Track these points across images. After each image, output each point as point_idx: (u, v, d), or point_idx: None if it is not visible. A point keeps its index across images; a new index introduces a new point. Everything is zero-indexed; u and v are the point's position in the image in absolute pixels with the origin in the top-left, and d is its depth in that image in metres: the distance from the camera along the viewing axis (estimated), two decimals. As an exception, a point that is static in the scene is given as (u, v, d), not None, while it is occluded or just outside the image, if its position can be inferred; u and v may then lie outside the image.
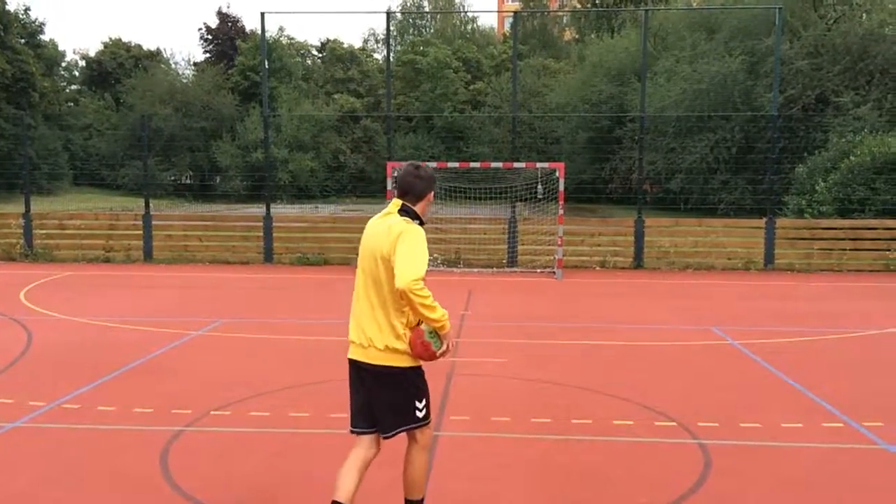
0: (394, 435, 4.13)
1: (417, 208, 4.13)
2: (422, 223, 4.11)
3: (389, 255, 3.91)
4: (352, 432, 4.23)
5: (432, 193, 4.24)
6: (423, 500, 4.30)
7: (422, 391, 4.13)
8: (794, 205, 21.93)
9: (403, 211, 4.09)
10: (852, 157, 20.19)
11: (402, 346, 3.97)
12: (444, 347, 3.98)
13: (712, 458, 5.54)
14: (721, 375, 7.98)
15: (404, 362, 4.01)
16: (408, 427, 4.11)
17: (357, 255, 4.25)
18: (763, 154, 25.36)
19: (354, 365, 4.13)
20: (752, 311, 11.88)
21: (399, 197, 4.16)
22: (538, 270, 16.47)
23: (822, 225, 18.05)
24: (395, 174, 16.17)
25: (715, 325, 10.65)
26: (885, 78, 27.27)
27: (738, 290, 14.33)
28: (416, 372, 4.08)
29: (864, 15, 28.56)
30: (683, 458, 5.59)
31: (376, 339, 3.98)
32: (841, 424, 6.35)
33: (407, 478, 4.22)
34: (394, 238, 3.91)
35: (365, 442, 4.20)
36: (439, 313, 3.89)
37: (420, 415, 4.12)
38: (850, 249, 17.10)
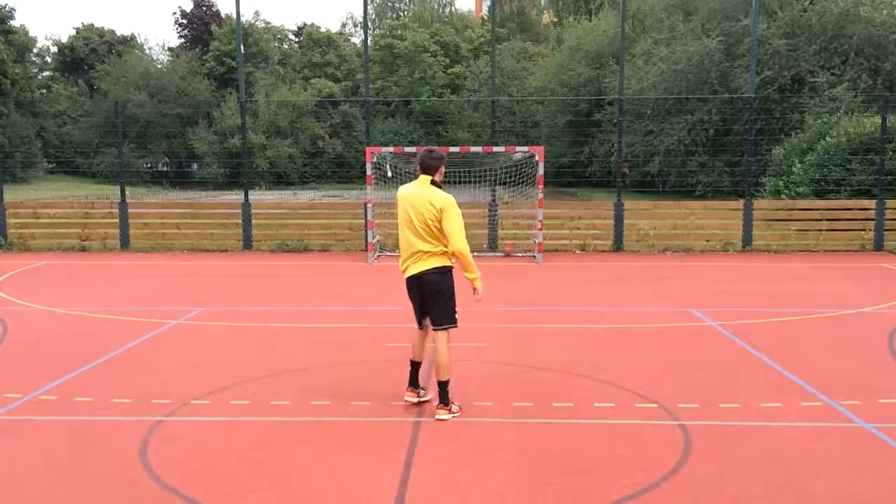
0: (441, 329, 6.21)
1: (438, 178, 6.17)
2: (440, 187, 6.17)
3: (438, 217, 5.98)
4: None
5: (443, 167, 6.23)
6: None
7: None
8: (772, 186, 22.09)
9: (434, 183, 6.12)
10: (828, 138, 20.35)
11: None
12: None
13: (693, 440, 5.58)
14: (700, 357, 8.03)
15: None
16: (447, 326, 6.23)
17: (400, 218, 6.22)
18: (740, 136, 25.53)
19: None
20: (731, 293, 11.97)
21: (424, 174, 6.14)
22: (518, 254, 16.49)
23: (799, 206, 18.21)
24: (375, 159, 16.14)
25: (694, 306, 10.72)
26: (859, 58, 27.47)
27: (717, 271, 14.44)
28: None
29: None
30: (664, 439, 5.62)
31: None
32: (819, 403, 6.41)
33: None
34: (438, 207, 5.99)
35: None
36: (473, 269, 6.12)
37: (456, 317, 6.28)
38: (826, 230, 17.26)
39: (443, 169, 6.22)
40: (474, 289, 6.16)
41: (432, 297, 6.11)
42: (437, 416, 6.03)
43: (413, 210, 6.05)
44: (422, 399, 6.39)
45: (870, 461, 5.23)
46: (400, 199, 6.20)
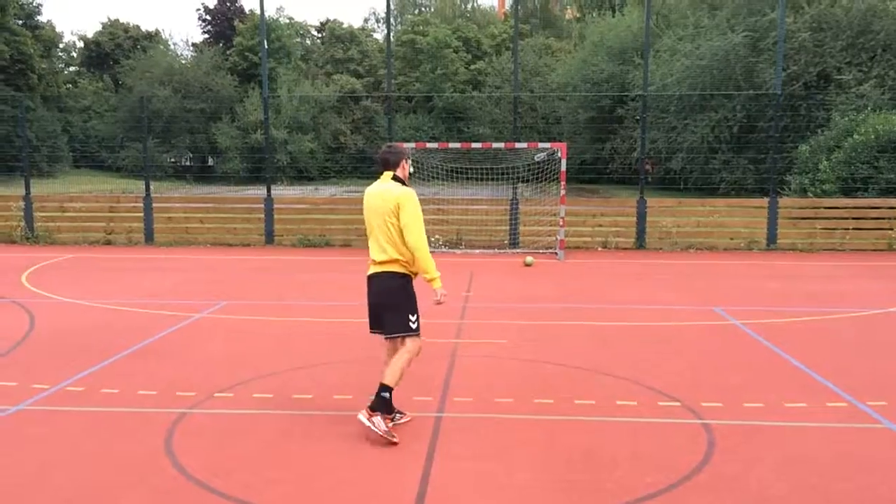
0: (392, 338, 5.55)
1: (400, 174, 5.64)
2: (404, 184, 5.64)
3: (395, 212, 5.41)
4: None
5: (406, 161, 5.68)
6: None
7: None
8: (797, 184, 21.88)
9: (395, 178, 5.61)
10: (855, 136, 20.10)
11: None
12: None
13: (716, 438, 5.55)
14: (724, 355, 7.97)
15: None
16: (400, 334, 5.52)
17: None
18: (765, 133, 25.27)
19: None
20: (755, 291, 11.86)
21: (385, 170, 5.64)
22: (540, 251, 16.44)
23: (825, 204, 17.99)
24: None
25: (717, 305, 10.63)
26: (886, 54, 27.08)
27: (741, 269, 14.32)
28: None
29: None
30: (688, 438, 5.59)
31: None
32: (844, 404, 6.34)
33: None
34: (395, 198, 5.43)
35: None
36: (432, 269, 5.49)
37: (412, 326, 5.50)
38: (852, 229, 17.04)
39: (405, 164, 5.64)
40: (435, 291, 5.53)
41: (385, 299, 5.52)
42: (359, 415, 5.43)
43: (370, 210, 5.54)
44: (396, 422, 5.74)
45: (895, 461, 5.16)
46: (364, 200, 5.67)
